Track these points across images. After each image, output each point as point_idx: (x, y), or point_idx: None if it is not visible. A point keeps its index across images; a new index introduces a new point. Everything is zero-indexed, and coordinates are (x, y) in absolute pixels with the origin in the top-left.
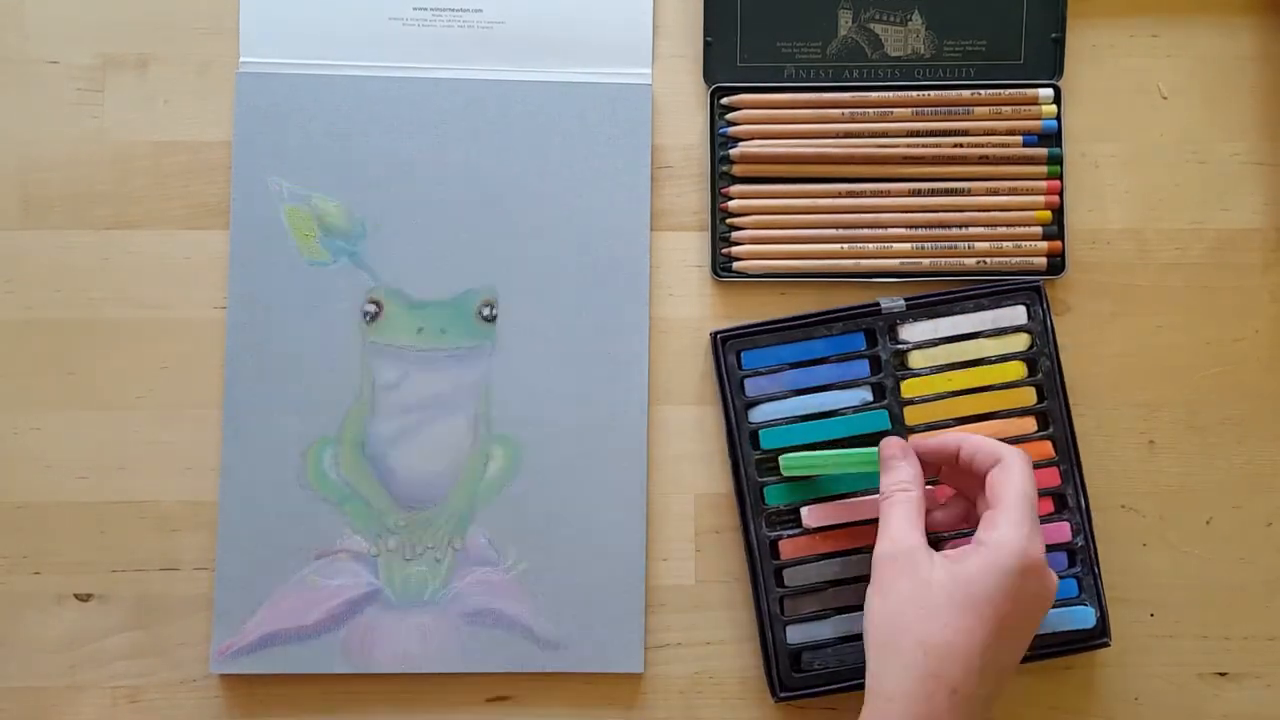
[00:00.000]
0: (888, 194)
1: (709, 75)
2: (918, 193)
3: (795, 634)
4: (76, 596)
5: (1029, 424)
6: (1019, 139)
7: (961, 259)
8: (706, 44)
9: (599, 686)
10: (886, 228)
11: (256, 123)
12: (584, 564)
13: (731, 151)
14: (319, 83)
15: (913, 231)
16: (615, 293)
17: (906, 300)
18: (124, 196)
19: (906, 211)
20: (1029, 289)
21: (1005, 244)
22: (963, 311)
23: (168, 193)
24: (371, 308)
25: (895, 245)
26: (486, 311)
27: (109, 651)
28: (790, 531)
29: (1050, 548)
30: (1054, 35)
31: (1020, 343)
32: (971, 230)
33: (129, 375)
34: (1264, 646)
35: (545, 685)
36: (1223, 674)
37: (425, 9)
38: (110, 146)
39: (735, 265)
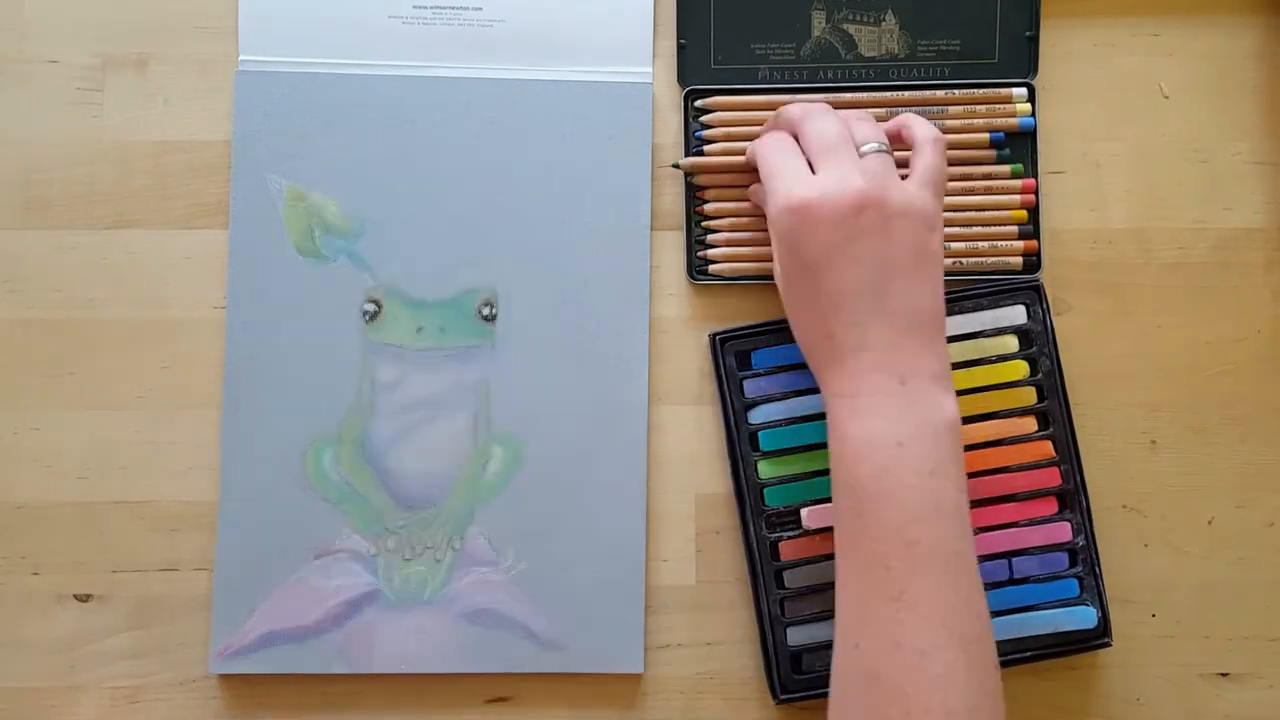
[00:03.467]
0: None
1: (683, 78)
2: None
3: (796, 635)
4: (76, 597)
5: (1029, 424)
6: (996, 138)
7: None
8: (680, 47)
9: (599, 687)
10: None
11: (256, 121)
12: (584, 564)
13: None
14: (318, 81)
15: None
16: (615, 293)
17: None
18: (124, 196)
19: None
20: (1029, 288)
21: (981, 244)
22: (962, 311)
23: (167, 192)
24: (371, 307)
25: None
26: (486, 311)
27: (109, 652)
28: (790, 533)
29: (1051, 548)
30: (1028, 33)
31: (1020, 342)
32: (947, 230)
33: (129, 375)
34: (1266, 647)
35: (545, 686)
36: (1224, 674)
37: (425, 7)
38: (110, 146)
39: (711, 268)
